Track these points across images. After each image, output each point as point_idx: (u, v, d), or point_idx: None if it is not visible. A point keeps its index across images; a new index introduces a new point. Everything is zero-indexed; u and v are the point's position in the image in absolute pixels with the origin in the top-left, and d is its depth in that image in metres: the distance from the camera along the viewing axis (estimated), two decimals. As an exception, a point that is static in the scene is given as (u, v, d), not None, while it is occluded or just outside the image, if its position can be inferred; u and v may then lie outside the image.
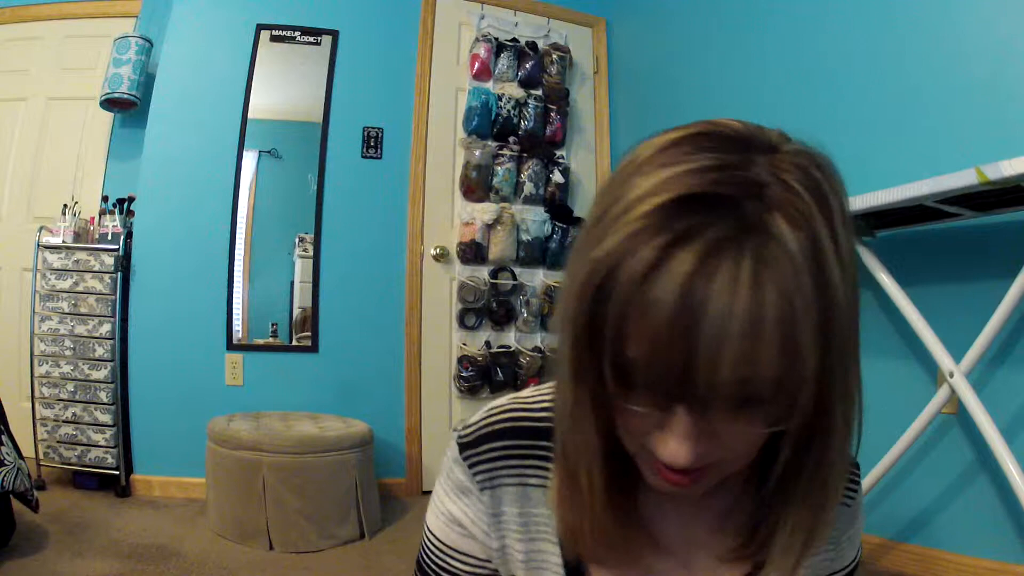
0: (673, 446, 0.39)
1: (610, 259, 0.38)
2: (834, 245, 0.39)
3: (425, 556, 0.56)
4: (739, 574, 0.51)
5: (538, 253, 3.04)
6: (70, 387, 2.50)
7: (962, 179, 1.36)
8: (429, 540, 0.56)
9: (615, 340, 0.38)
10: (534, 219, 3.04)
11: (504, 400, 0.55)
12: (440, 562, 0.55)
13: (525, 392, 0.56)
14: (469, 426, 0.54)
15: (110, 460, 2.50)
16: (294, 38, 2.89)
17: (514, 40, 3.11)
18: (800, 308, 0.37)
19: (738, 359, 0.36)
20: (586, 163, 3.27)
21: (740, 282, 0.35)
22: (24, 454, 1.99)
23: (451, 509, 0.54)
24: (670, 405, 0.39)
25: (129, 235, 2.64)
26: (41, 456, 2.51)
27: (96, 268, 2.54)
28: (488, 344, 2.95)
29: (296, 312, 2.84)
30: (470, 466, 0.53)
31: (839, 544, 0.58)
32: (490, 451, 0.53)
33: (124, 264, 2.59)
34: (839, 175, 0.44)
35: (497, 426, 0.53)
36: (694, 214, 0.37)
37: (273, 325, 2.81)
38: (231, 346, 2.72)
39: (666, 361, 0.36)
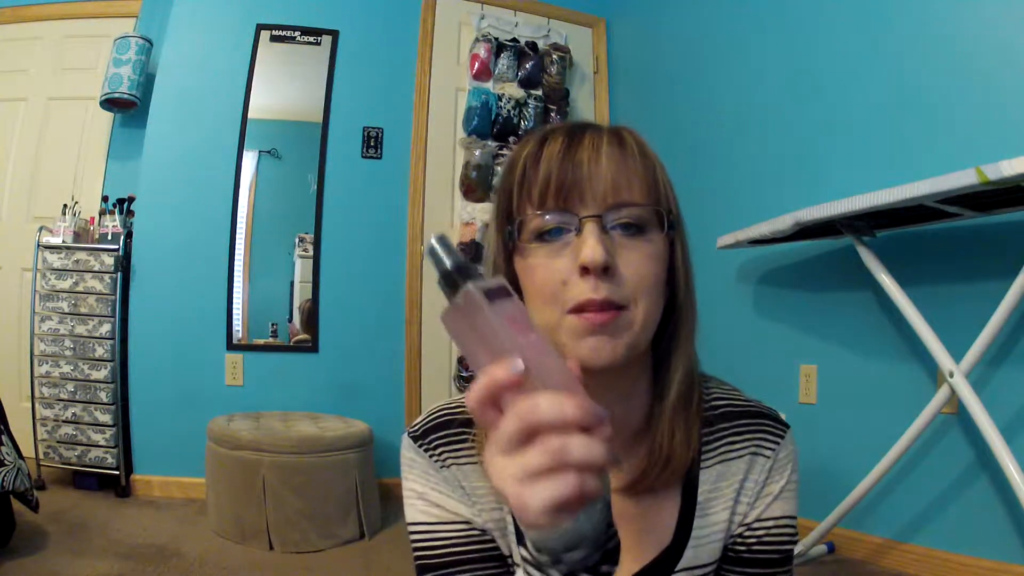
0: (590, 244, 0.50)
1: (511, 160, 0.57)
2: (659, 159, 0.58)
3: (416, 544, 0.61)
4: (638, 501, 0.58)
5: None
6: (70, 387, 2.50)
7: (962, 179, 1.36)
8: (413, 531, 0.61)
9: (527, 196, 0.54)
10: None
11: (439, 403, 0.66)
12: (429, 541, 0.60)
13: (454, 398, 0.65)
14: (416, 424, 0.64)
15: (110, 460, 2.50)
16: (294, 38, 2.89)
17: (514, 40, 3.11)
18: (651, 154, 0.56)
19: (612, 177, 0.52)
20: (586, 163, 3.27)
21: (603, 137, 0.55)
22: (24, 454, 1.99)
23: (420, 490, 0.61)
24: (580, 224, 0.52)
25: (129, 235, 2.64)
26: (41, 456, 2.51)
27: (96, 268, 2.54)
28: (488, 344, 2.95)
29: (295, 312, 2.84)
30: (425, 451, 0.61)
31: (757, 497, 0.59)
32: (435, 439, 0.62)
33: (124, 264, 2.59)
34: None
35: (438, 420, 0.63)
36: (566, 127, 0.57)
37: (273, 325, 2.81)
38: (231, 346, 2.72)
39: (562, 177, 0.53)
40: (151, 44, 2.81)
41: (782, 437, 0.61)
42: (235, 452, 2.14)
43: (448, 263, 0.41)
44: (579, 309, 0.51)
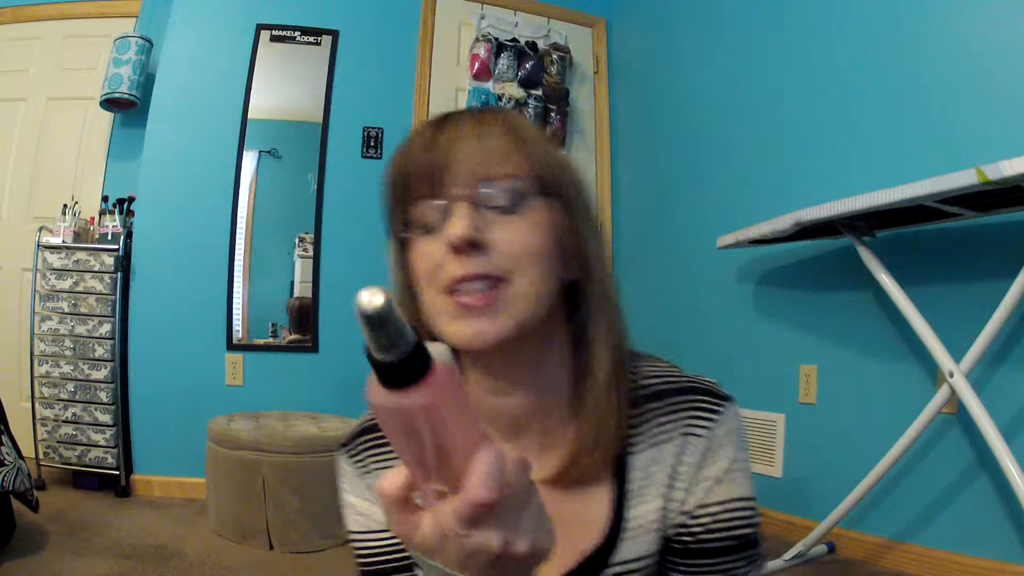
0: (453, 222, 0.50)
1: (392, 155, 0.56)
2: (540, 133, 0.56)
3: (355, 553, 0.62)
4: (563, 488, 0.56)
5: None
6: (70, 387, 2.50)
7: (962, 179, 1.36)
8: (351, 539, 0.62)
9: (402, 191, 0.54)
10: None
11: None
12: (363, 550, 0.61)
13: None
14: (347, 432, 0.64)
15: (110, 460, 2.50)
16: (294, 38, 2.89)
17: (514, 40, 3.11)
18: (523, 129, 0.54)
19: (474, 156, 0.51)
20: (586, 163, 3.27)
21: (466, 120, 0.54)
22: (24, 454, 1.99)
23: (349, 499, 0.62)
24: (451, 206, 0.51)
25: (129, 235, 2.64)
26: (41, 456, 2.51)
27: (96, 268, 2.54)
28: (488, 344, 2.95)
29: (288, 311, 2.84)
30: (350, 457, 0.62)
31: (694, 482, 0.55)
32: (361, 443, 0.62)
33: (124, 264, 2.59)
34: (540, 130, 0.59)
35: (364, 424, 0.63)
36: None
37: (273, 325, 2.81)
38: (231, 346, 2.72)
39: (426, 167, 0.52)
40: (151, 44, 2.81)
41: (719, 413, 0.56)
42: (235, 452, 2.14)
43: (395, 352, 0.30)
44: (452, 290, 0.50)
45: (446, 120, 0.55)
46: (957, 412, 1.77)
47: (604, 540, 0.55)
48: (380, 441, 0.61)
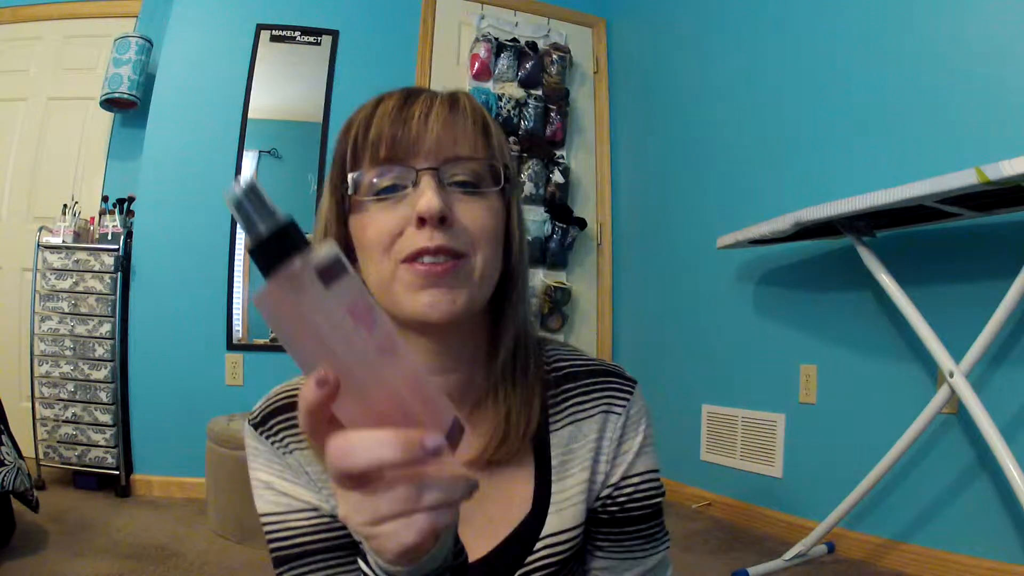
0: (427, 196, 0.50)
1: (347, 124, 0.56)
2: (498, 124, 0.58)
3: (269, 536, 0.58)
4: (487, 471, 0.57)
5: (538, 253, 3.04)
6: (70, 387, 2.50)
7: (962, 179, 1.36)
8: (265, 522, 0.58)
9: (365, 151, 0.53)
10: (534, 219, 3.04)
11: (279, 386, 0.62)
12: (282, 532, 0.57)
13: (294, 380, 0.63)
14: (256, 410, 0.61)
15: (110, 460, 2.50)
16: (294, 38, 2.89)
17: (514, 40, 3.11)
18: (486, 117, 0.56)
19: (446, 133, 0.53)
20: (586, 163, 3.27)
21: (436, 98, 0.55)
22: (24, 454, 1.99)
23: (266, 479, 0.59)
24: (417, 177, 0.52)
25: (129, 235, 2.64)
26: (41, 456, 2.51)
27: (96, 268, 2.54)
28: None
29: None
30: (267, 438, 0.59)
31: (616, 456, 0.60)
32: (276, 424, 0.59)
33: (124, 264, 2.59)
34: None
35: (277, 404, 0.60)
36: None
37: (273, 325, 2.80)
38: (231, 346, 2.72)
39: (397, 133, 0.52)
40: (151, 44, 2.81)
41: (631, 393, 0.61)
42: (235, 452, 2.14)
43: (262, 227, 0.30)
44: (413, 258, 0.51)
45: (418, 94, 0.56)
46: (957, 412, 1.77)
47: (532, 515, 0.57)
48: (294, 422, 0.59)
